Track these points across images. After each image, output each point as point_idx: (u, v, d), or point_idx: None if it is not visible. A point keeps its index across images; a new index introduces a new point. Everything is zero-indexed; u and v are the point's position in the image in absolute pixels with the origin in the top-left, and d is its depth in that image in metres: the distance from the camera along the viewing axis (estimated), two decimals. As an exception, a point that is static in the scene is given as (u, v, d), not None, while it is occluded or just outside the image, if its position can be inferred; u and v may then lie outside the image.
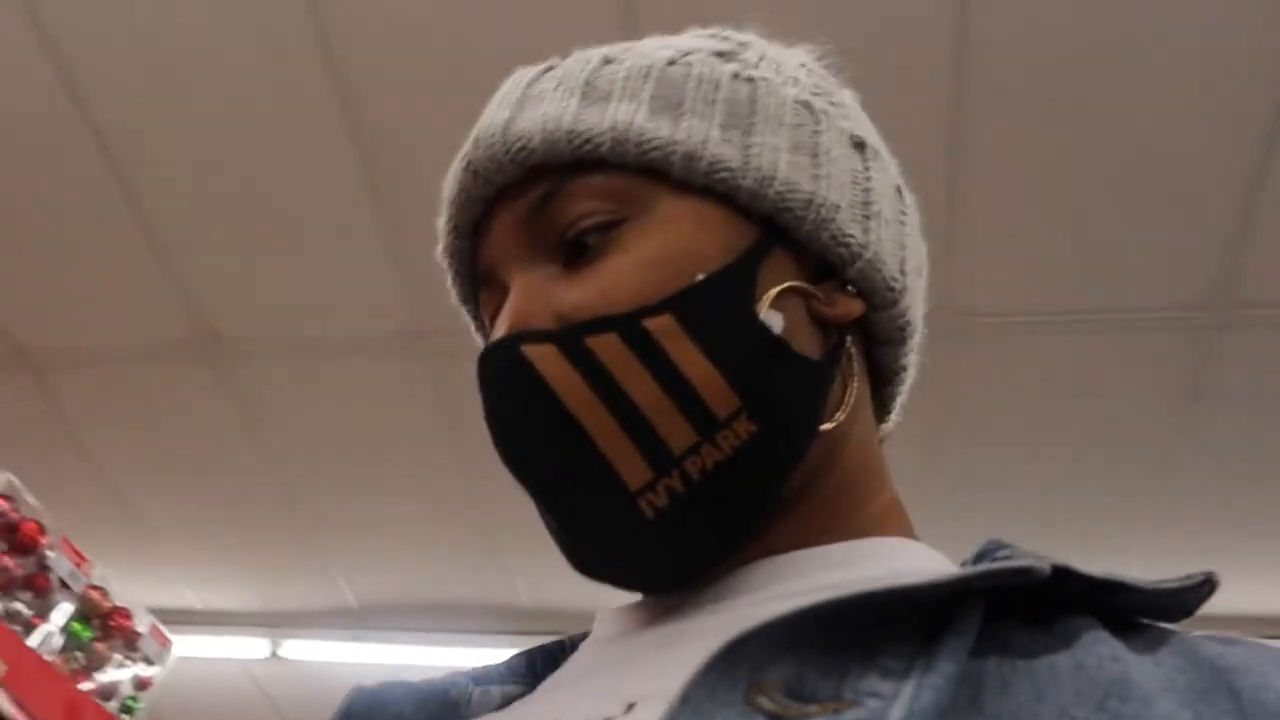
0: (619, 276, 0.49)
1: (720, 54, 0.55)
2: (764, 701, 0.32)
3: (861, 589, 0.34)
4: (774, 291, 0.49)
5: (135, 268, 2.41)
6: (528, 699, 0.51)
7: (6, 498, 1.70)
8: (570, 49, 0.58)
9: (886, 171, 0.56)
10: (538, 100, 0.54)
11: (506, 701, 0.53)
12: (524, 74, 0.57)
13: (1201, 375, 2.30)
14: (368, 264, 2.33)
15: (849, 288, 0.52)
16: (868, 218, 0.52)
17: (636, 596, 0.54)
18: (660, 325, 0.47)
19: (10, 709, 1.39)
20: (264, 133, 2.14)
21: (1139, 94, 1.84)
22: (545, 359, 0.48)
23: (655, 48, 0.56)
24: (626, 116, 0.51)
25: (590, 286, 0.49)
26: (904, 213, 0.56)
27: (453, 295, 0.60)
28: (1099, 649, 0.36)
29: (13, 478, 1.69)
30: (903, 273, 0.54)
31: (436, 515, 2.94)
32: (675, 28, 0.61)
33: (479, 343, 0.62)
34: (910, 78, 1.85)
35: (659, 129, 0.51)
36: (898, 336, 0.55)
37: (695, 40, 0.57)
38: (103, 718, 1.76)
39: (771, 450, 0.48)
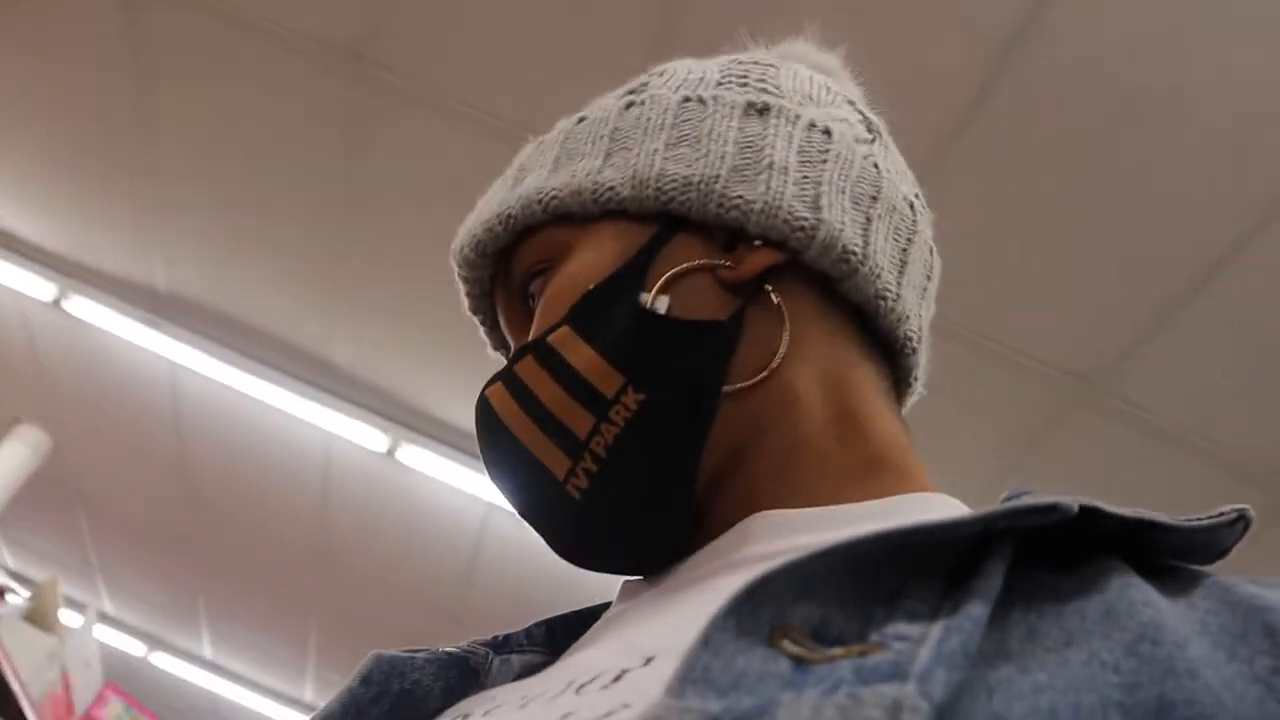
0: (539, 318, 0.58)
1: (629, 91, 0.63)
2: (787, 644, 0.31)
3: (882, 529, 0.34)
4: (664, 278, 0.54)
5: None
6: (547, 670, 0.51)
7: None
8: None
9: (796, 122, 0.58)
10: (488, 198, 0.64)
11: (526, 670, 0.55)
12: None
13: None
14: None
15: (757, 243, 0.55)
16: (759, 173, 0.55)
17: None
18: (558, 337, 0.54)
19: None
20: None
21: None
22: (495, 393, 0.57)
23: (580, 112, 0.64)
24: (534, 182, 0.59)
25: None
26: (825, 150, 0.57)
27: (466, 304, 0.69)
28: (1130, 593, 0.35)
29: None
30: (817, 208, 0.55)
31: (287, 243, 2.83)
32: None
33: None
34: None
35: (556, 179, 0.59)
36: (842, 270, 0.55)
37: (619, 90, 0.65)
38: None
39: (668, 414, 0.52)
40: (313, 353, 3.15)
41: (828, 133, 0.58)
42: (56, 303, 3.23)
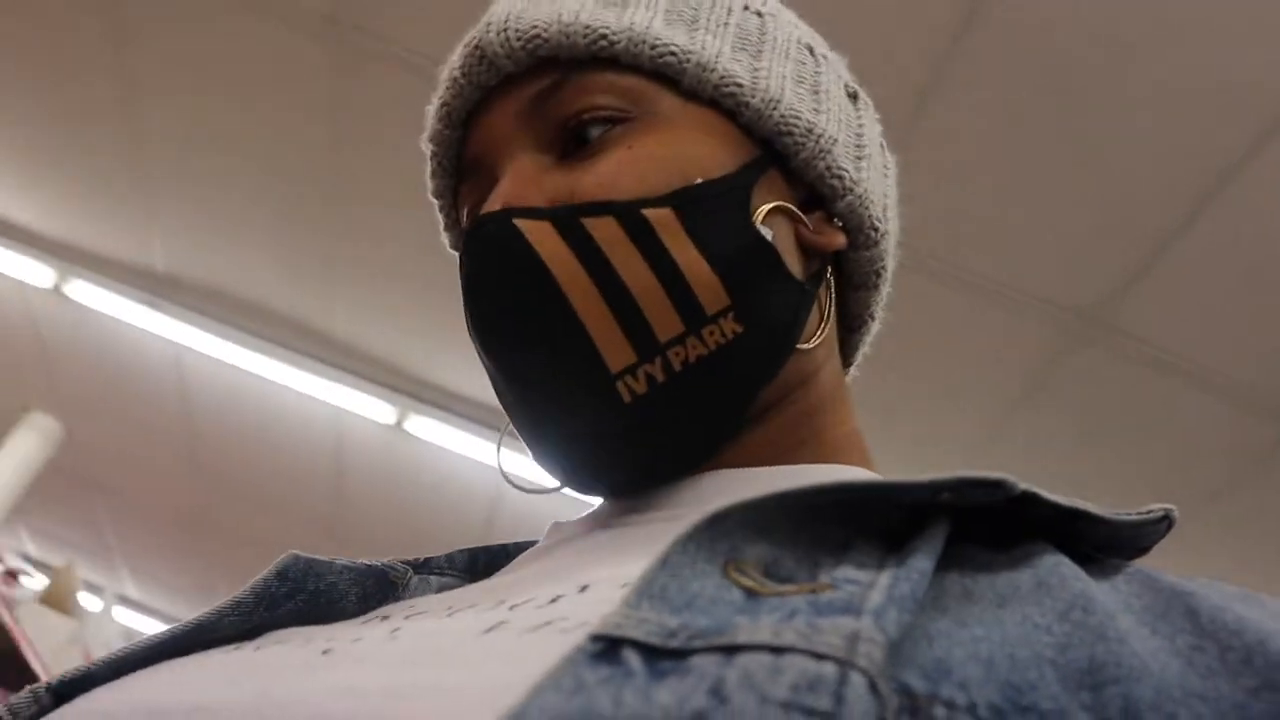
0: (620, 168, 0.49)
1: None
2: (740, 577, 0.31)
3: (835, 481, 0.34)
4: (767, 207, 0.50)
5: None
6: (470, 586, 0.50)
7: None
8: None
9: (875, 125, 0.59)
10: None
11: (442, 591, 0.54)
12: None
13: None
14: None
15: (835, 220, 0.54)
16: (860, 159, 0.55)
17: (583, 506, 0.55)
18: (659, 217, 0.48)
19: None
20: None
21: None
22: (539, 232, 0.48)
23: None
24: (644, 20, 0.52)
25: (589, 176, 0.49)
26: (887, 166, 0.59)
27: (430, 187, 0.59)
28: (1061, 569, 0.35)
29: None
30: (885, 218, 0.56)
31: (279, 216, 2.83)
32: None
33: (445, 241, 0.63)
34: None
35: (675, 36, 0.52)
36: (872, 281, 0.57)
37: None
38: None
39: (752, 355, 0.49)
40: (314, 326, 3.16)
41: (884, 148, 0.60)
42: (57, 288, 3.24)
